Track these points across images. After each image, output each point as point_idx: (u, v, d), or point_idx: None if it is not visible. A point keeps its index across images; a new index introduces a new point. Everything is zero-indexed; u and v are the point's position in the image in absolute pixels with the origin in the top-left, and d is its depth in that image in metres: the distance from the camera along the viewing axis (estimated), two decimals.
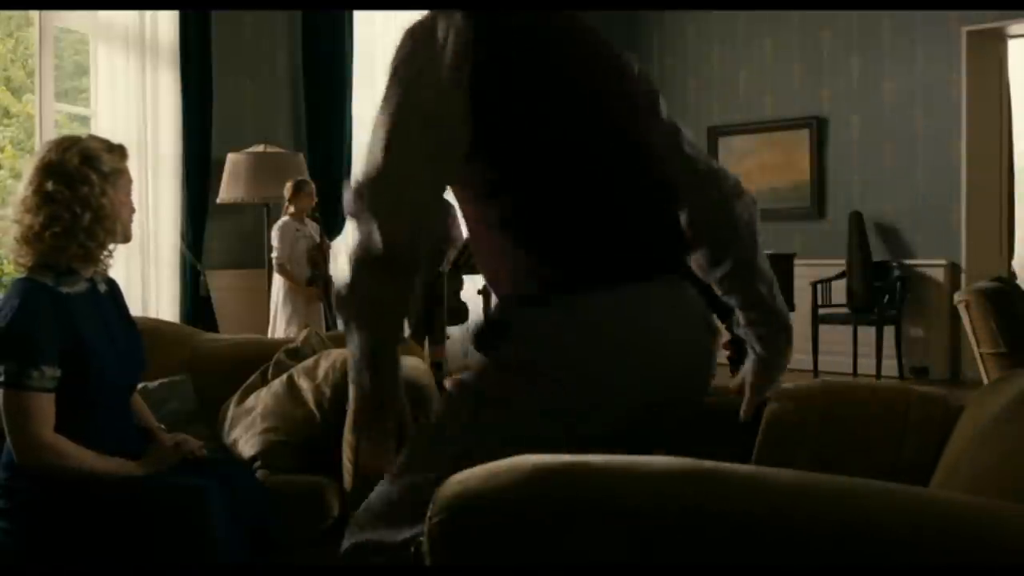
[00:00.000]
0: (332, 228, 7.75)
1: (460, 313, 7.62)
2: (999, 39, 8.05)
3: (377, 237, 1.81)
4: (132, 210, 2.60)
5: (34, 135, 10.01)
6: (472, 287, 7.47)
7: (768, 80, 8.89)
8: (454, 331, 8.03)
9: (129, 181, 2.59)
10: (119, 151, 2.57)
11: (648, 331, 1.78)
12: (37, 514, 2.42)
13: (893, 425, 2.03)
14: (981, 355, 4.99)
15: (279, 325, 6.75)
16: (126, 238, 2.58)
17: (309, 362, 3.04)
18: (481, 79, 1.77)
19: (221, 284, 7.42)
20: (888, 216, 8.27)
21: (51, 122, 6.67)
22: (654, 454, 1.67)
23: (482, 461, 1.44)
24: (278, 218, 6.96)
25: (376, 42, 8.56)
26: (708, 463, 1.45)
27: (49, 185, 2.45)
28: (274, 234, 6.79)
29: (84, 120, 7.53)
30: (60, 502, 2.40)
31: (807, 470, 1.57)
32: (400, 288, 1.87)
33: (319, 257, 6.86)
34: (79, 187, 2.45)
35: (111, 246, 2.56)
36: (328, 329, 6.83)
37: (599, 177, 1.83)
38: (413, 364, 2.94)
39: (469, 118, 1.77)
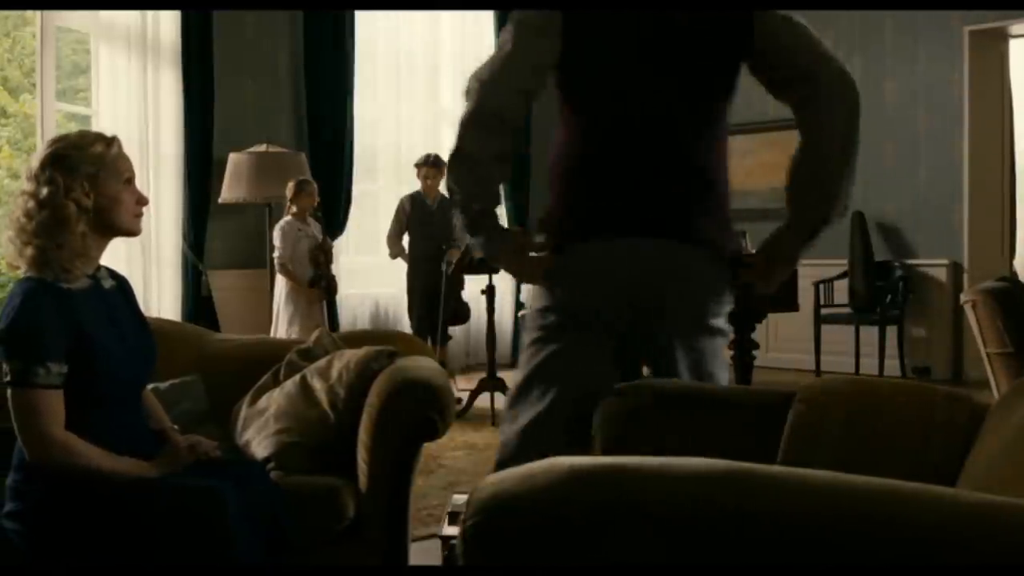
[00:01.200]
0: (333, 228, 7.73)
1: (462, 314, 7.61)
2: (1001, 39, 8.05)
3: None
4: (135, 201, 2.51)
5: (32, 135, 9.99)
6: (476, 287, 7.45)
7: None
8: (456, 331, 8.02)
9: (120, 171, 2.48)
10: (101, 142, 2.48)
11: (616, 272, 2.44)
12: (50, 516, 2.39)
13: (919, 425, 2.02)
14: (988, 355, 4.98)
15: (281, 325, 6.73)
16: (125, 232, 2.52)
17: (322, 363, 3.02)
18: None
19: (223, 284, 7.40)
20: (890, 216, 8.27)
21: (52, 121, 6.65)
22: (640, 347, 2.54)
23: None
24: (280, 218, 6.93)
25: (377, 42, 8.55)
26: (745, 464, 1.43)
27: (41, 189, 2.42)
28: (276, 234, 6.77)
29: (85, 119, 7.50)
30: (73, 504, 2.38)
31: (833, 468, 1.56)
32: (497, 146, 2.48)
33: (321, 257, 6.83)
34: (63, 191, 2.41)
35: (106, 241, 2.52)
36: (332, 330, 6.80)
37: (622, 153, 2.45)
38: (427, 365, 2.93)
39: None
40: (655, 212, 2.44)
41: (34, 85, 10.05)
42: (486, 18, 9.14)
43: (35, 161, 2.44)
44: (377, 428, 2.72)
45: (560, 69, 2.46)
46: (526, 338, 2.57)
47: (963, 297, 5.13)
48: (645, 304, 2.46)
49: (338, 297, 7.42)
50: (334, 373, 2.93)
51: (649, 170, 2.43)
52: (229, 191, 7.14)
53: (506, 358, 8.82)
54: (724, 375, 2.56)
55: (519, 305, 8.86)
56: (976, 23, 7.82)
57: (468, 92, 2.47)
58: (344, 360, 2.95)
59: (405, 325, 8.09)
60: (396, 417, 2.71)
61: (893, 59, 8.32)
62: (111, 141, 2.51)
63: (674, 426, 2.24)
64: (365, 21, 8.27)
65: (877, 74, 8.37)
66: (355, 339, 3.26)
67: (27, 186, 2.43)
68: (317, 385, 2.94)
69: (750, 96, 9.70)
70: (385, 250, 7.88)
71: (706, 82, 2.51)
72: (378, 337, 3.33)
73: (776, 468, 1.43)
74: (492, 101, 2.43)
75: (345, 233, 8.19)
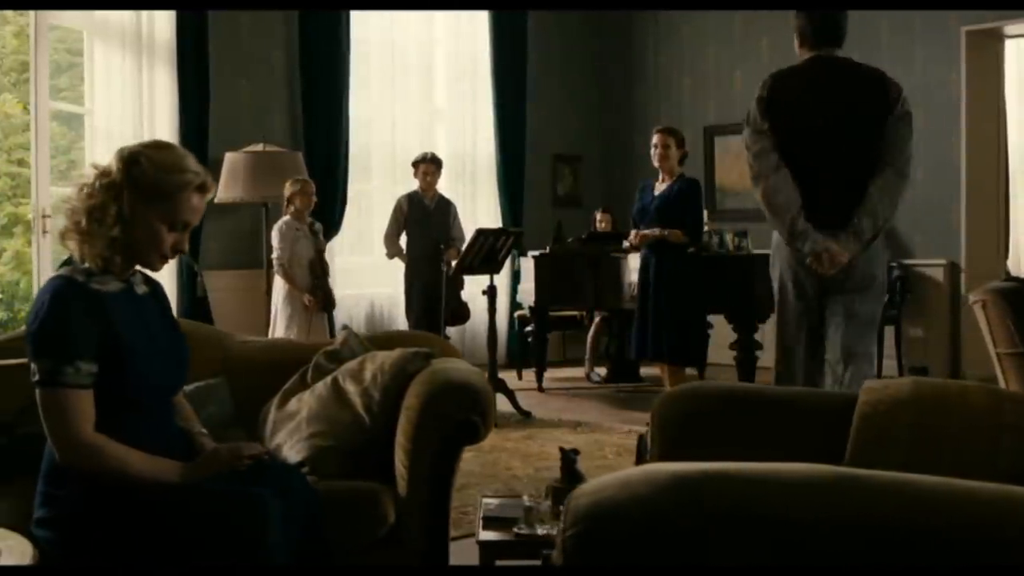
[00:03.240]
0: (329, 228, 7.66)
1: (462, 314, 7.55)
2: (998, 39, 8.06)
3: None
4: (170, 245, 2.40)
5: (12, 134, 9.83)
6: (476, 288, 7.40)
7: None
8: (452, 331, 7.96)
9: (172, 211, 2.37)
10: (189, 174, 2.37)
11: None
12: (84, 523, 2.33)
13: (988, 427, 1.99)
14: (998, 355, 4.97)
15: (279, 327, 6.65)
16: (142, 263, 2.44)
17: (353, 364, 2.95)
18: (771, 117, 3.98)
19: (218, 284, 7.33)
20: None
21: (45, 120, 6.54)
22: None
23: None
24: (277, 218, 6.86)
25: (371, 42, 8.49)
26: (851, 470, 1.40)
27: (97, 184, 2.36)
28: (274, 234, 6.69)
29: (78, 118, 7.41)
30: (109, 510, 2.32)
31: (903, 470, 1.53)
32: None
33: (319, 268, 6.74)
34: (106, 177, 2.35)
35: (133, 265, 2.45)
36: (330, 334, 6.74)
37: (811, 175, 3.87)
38: (464, 367, 2.88)
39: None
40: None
41: (14, 84, 9.92)
42: (481, 18, 9.09)
43: (124, 151, 2.37)
44: (417, 431, 2.67)
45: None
46: None
47: (973, 297, 5.12)
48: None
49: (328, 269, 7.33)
50: (367, 375, 2.87)
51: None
52: (225, 191, 7.07)
53: (501, 358, 8.76)
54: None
55: (516, 305, 8.81)
56: (973, 23, 7.83)
57: None
58: (377, 362, 2.90)
59: (401, 325, 8.04)
60: (436, 420, 2.66)
61: (890, 59, 8.28)
62: (201, 186, 2.41)
63: (734, 428, 2.20)
64: (359, 21, 8.21)
65: None
66: (382, 340, 3.20)
67: (103, 167, 2.37)
68: (350, 388, 2.88)
69: (747, 95, 9.73)
70: (380, 250, 7.81)
71: (870, 137, 3.85)
72: (406, 339, 3.27)
73: (883, 473, 1.39)
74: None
75: (340, 233, 8.13)
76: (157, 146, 2.46)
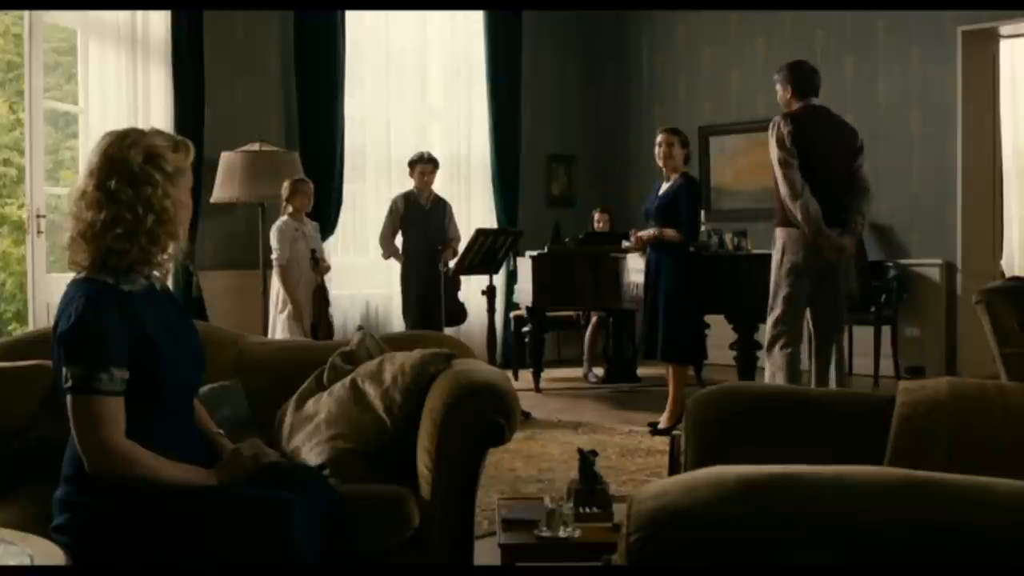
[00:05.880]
0: (325, 228, 7.61)
1: (458, 313, 7.51)
2: (993, 40, 8.08)
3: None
4: (190, 210, 2.48)
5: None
6: (477, 288, 7.37)
7: (760, 80, 8.81)
8: (448, 332, 7.92)
9: (190, 180, 2.46)
10: (184, 148, 2.44)
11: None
12: (104, 529, 2.29)
13: None
14: (1003, 355, 4.97)
15: (278, 328, 6.59)
16: (182, 238, 2.46)
17: (372, 366, 2.91)
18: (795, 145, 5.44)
19: (213, 285, 7.29)
20: (883, 216, 8.25)
21: (40, 120, 6.47)
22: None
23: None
24: (273, 218, 6.81)
25: (366, 42, 8.45)
26: (921, 473, 1.38)
27: (112, 183, 2.32)
28: (273, 235, 6.63)
29: (65, 118, 7.34)
30: (133, 515, 2.28)
31: (947, 470, 1.51)
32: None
33: (320, 296, 6.66)
34: (142, 187, 2.32)
35: (171, 248, 2.44)
36: (328, 335, 6.68)
37: (819, 188, 5.42)
38: (486, 368, 2.85)
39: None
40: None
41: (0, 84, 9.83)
42: (475, 18, 9.06)
43: (117, 151, 2.32)
44: (441, 433, 2.63)
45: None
46: None
47: (976, 297, 5.12)
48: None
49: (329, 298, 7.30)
50: (387, 377, 2.83)
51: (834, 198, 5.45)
52: (221, 190, 7.02)
53: (498, 359, 8.73)
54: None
55: (512, 305, 8.77)
56: (969, 24, 7.84)
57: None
58: (397, 363, 2.86)
59: (397, 325, 7.99)
60: (461, 422, 2.63)
61: (886, 60, 8.33)
62: (189, 147, 2.48)
63: (769, 429, 2.18)
64: (354, 21, 8.18)
65: (870, 75, 8.38)
66: (396, 341, 3.17)
67: (115, 183, 2.31)
68: (369, 390, 2.84)
69: (742, 96, 9.72)
70: (375, 250, 7.76)
71: (851, 165, 5.52)
72: (421, 339, 3.23)
73: (953, 477, 1.37)
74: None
75: (335, 233, 8.09)
76: (143, 134, 2.42)
